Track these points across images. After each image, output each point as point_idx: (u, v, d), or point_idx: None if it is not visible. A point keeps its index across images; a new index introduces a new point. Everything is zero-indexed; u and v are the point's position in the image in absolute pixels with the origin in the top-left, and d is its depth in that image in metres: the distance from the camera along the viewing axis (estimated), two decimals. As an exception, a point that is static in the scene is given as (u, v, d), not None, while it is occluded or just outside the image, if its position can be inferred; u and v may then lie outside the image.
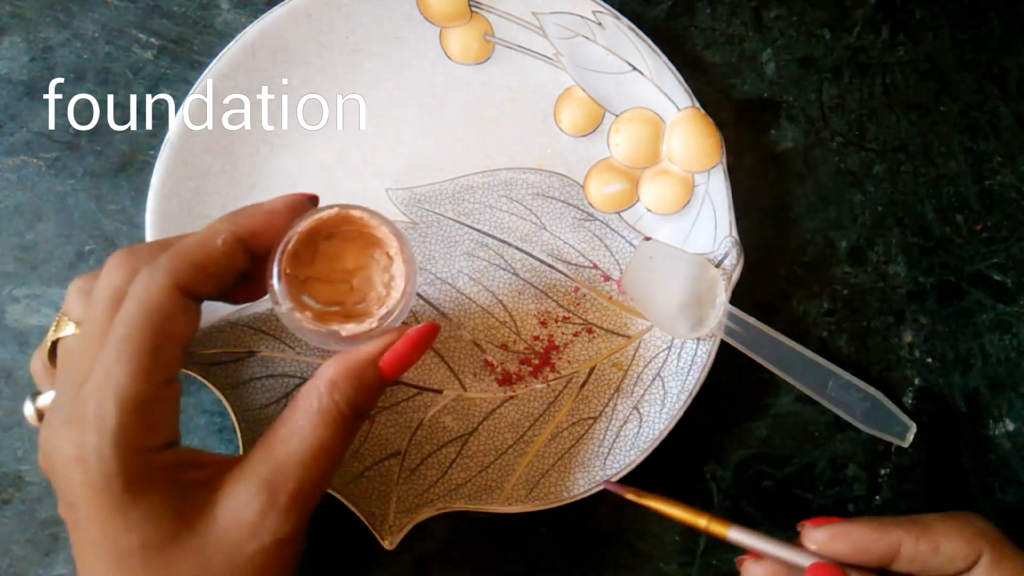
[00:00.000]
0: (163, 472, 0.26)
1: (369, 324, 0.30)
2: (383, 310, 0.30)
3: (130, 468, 0.25)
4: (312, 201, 0.31)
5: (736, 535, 0.31)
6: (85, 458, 0.25)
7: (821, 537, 0.30)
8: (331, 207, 0.30)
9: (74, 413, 0.26)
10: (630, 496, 0.33)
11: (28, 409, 0.30)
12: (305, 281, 0.31)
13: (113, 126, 0.41)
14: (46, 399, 0.30)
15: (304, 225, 0.30)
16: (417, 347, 0.30)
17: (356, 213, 0.31)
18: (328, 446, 0.28)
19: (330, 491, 0.37)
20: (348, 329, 0.30)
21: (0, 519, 0.39)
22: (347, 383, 0.29)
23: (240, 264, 0.29)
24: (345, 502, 0.37)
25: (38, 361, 0.31)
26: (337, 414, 0.28)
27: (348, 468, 0.37)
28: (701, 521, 0.32)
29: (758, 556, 0.31)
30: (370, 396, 0.29)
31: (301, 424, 0.28)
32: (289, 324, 0.30)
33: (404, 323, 0.31)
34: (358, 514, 0.37)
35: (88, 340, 0.27)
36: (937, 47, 0.43)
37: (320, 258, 0.32)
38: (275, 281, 0.29)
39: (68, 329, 0.29)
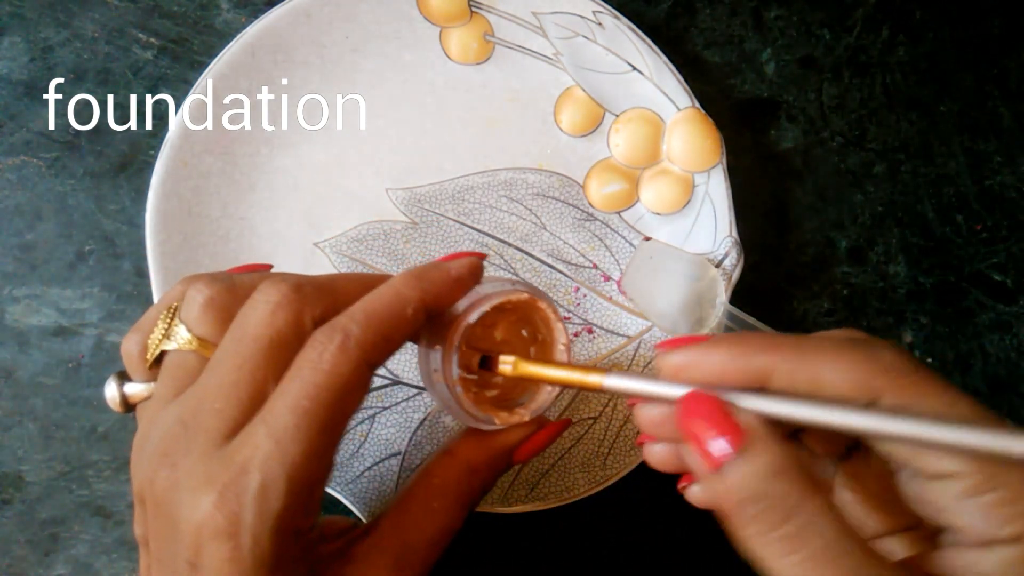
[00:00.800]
0: (307, 551, 0.25)
1: (521, 418, 0.29)
2: (536, 406, 0.29)
3: (283, 551, 0.23)
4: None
5: (612, 382, 0.26)
6: (238, 536, 0.22)
7: (676, 362, 0.24)
8: (518, 289, 0.29)
9: (227, 480, 0.22)
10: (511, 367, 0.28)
11: (112, 391, 0.28)
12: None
13: (113, 126, 0.41)
14: (136, 389, 0.28)
15: (490, 305, 0.28)
16: (551, 441, 0.30)
17: (542, 305, 0.29)
18: (457, 527, 0.27)
19: (330, 491, 0.37)
20: (503, 418, 0.28)
21: (0, 519, 0.39)
22: (488, 471, 0.28)
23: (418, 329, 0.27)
24: (345, 502, 0.37)
25: (134, 344, 0.28)
26: (471, 499, 0.28)
27: (348, 468, 0.37)
28: (575, 376, 0.27)
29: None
30: (496, 480, 0.29)
31: (435, 507, 0.27)
32: (440, 394, 0.28)
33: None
34: (358, 514, 0.37)
35: (230, 383, 0.24)
36: (937, 47, 0.43)
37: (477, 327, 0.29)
38: (454, 355, 0.27)
39: (181, 336, 0.26)
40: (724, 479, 0.22)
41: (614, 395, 0.28)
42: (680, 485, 0.27)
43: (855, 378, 0.22)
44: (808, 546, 0.20)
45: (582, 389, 0.29)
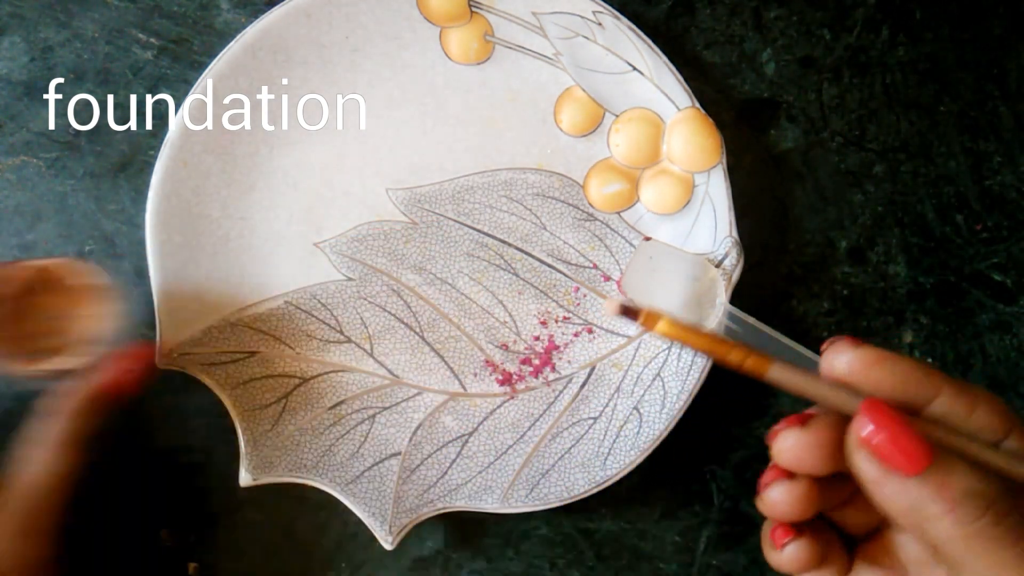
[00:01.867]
0: None
1: (64, 363, 0.33)
2: (82, 345, 0.33)
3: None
4: None
5: (778, 374, 0.25)
6: None
7: (862, 359, 0.24)
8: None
9: None
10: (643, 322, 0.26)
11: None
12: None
13: (113, 126, 0.41)
14: None
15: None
16: (137, 365, 0.34)
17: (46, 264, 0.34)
18: (69, 471, 0.32)
19: (330, 491, 0.37)
20: (58, 363, 0.33)
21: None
22: (79, 414, 0.33)
23: None
24: (345, 502, 0.37)
25: None
26: (75, 440, 0.32)
27: (348, 468, 0.37)
28: (733, 356, 0.25)
29: (792, 424, 0.26)
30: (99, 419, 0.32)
31: (38, 458, 0.32)
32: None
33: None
34: (358, 514, 0.37)
35: None
36: (937, 47, 0.43)
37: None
38: None
39: None
40: (933, 475, 0.22)
41: (777, 386, 0.26)
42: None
43: (1002, 413, 0.24)
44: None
45: (739, 369, 0.26)
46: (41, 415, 0.33)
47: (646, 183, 0.40)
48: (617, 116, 0.40)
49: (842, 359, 0.25)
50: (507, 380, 0.39)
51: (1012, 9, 0.44)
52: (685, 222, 0.40)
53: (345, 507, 0.37)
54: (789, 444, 0.25)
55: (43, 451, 0.32)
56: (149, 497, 0.36)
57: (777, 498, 0.26)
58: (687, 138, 0.38)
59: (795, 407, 0.41)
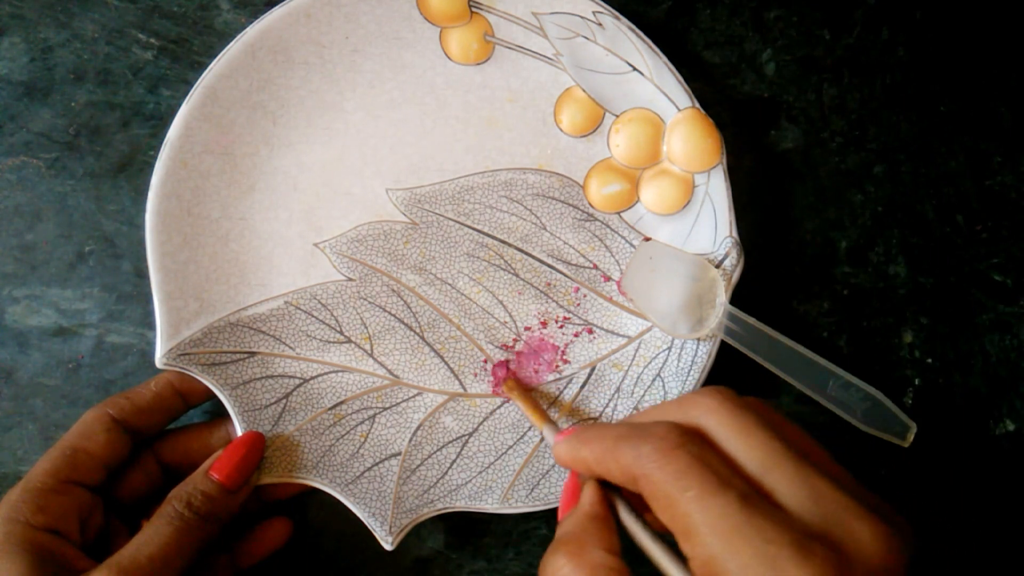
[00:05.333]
0: (33, 547, 0.31)
1: None
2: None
3: (7, 532, 0.31)
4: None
5: (546, 433, 0.34)
6: None
7: (554, 454, 0.31)
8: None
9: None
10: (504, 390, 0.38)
11: None
12: None
13: (113, 126, 0.41)
14: None
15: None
16: (237, 452, 0.35)
17: None
18: (174, 542, 0.32)
19: (330, 491, 0.37)
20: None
21: None
22: (184, 491, 0.34)
23: (175, 407, 0.37)
24: (345, 502, 0.37)
25: None
26: (177, 516, 0.32)
27: (348, 468, 0.37)
28: (538, 422, 0.35)
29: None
30: (214, 502, 0.34)
31: (148, 531, 0.32)
32: None
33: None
34: (358, 514, 0.37)
35: None
36: (937, 47, 0.43)
37: None
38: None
39: None
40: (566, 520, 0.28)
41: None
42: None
43: (624, 469, 0.26)
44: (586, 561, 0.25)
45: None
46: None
47: (646, 183, 0.40)
48: (617, 116, 0.40)
49: (557, 452, 0.30)
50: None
51: (1012, 9, 0.44)
52: (685, 222, 0.40)
53: (345, 507, 0.37)
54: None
55: (157, 524, 0.33)
56: (149, 497, 0.36)
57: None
58: (687, 138, 0.38)
59: (793, 406, 0.41)
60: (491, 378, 0.39)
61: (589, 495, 0.28)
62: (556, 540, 0.27)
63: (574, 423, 0.39)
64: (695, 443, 0.25)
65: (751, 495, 0.23)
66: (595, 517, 0.27)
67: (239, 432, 0.37)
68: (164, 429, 0.37)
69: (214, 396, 0.37)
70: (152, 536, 0.32)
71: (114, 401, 0.35)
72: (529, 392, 0.39)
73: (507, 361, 0.40)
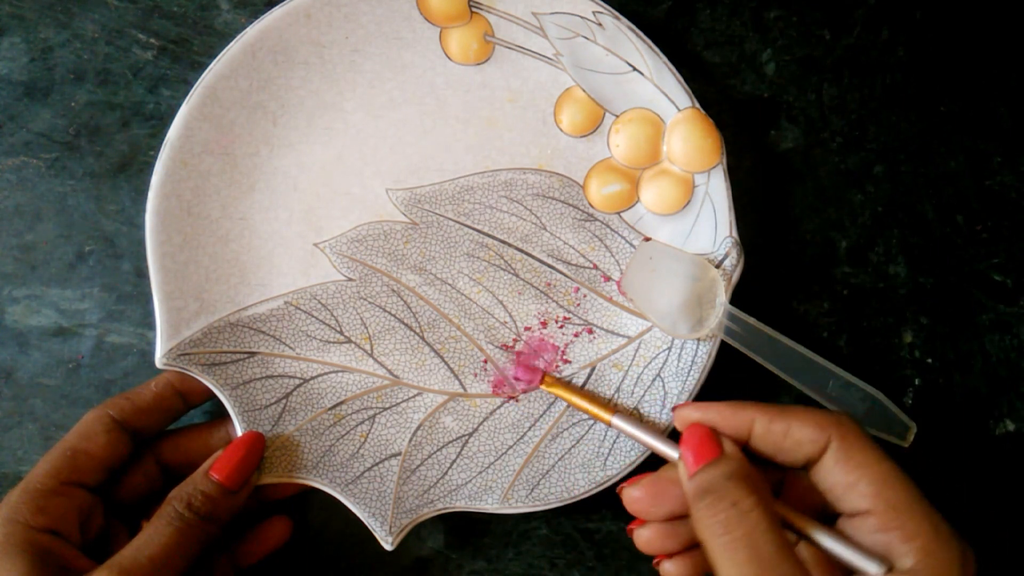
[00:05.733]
0: (33, 548, 0.31)
1: None
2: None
3: (7, 534, 0.31)
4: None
5: (618, 422, 0.36)
6: None
7: (688, 415, 0.33)
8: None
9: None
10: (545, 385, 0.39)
11: None
12: None
13: (113, 126, 0.41)
14: None
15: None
16: (237, 452, 0.35)
17: None
18: (173, 542, 0.32)
19: (330, 491, 0.37)
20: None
21: None
22: (185, 492, 0.34)
23: (175, 407, 0.37)
24: (345, 502, 0.37)
25: None
26: (177, 517, 0.33)
27: (348, 468, 0.37)
28: (594, 409, 0.37)
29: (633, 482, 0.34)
30: (214, 503, 0.34)
31: (148, 532, 0.32)
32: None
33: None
34: (358, 514, 0.37)
35: None
36: (937, 47, 0.43)
37: None
38: None
39: None
40: (700, 475, 0.30)
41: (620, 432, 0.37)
42: (630, 528, 0.34)
43: (816, 427, 0.30)
44: (737, 529, 0.27)
45: (595, 418, 0.37)
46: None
47: (646, 183, 0.40)
48: (617, 116, 0.40)
49: (681, 417, 0.33)
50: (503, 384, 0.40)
51: (1012, 9, 0.44)
52: (685, 222, 0.40)
53: (345, 507, 0.37)
54: (631, 497, 0.33)
55: (157, 525, 0.33)
56: (148, 498, 0.36)
57: (639, 541, 0.33)
58: (687, 138, 0.38)
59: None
60: (492, 378, 0.39)
61: (734, 446, 0.31)
62: (725, 475, 0.29)
63: (572, 422, 0.39)
64: None
65: None
66: (752, 464, 0.30)
67: (239, 432, 0.37)
68: (164, 430, 0.37)
69: (214, 396, 0.37)
70: (152, 537, 0.32)
71: (114, 402, 0.35)
72: (571, 385, 0.39)
73: (527, 357, 0.40)
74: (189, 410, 0.38)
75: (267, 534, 0.38)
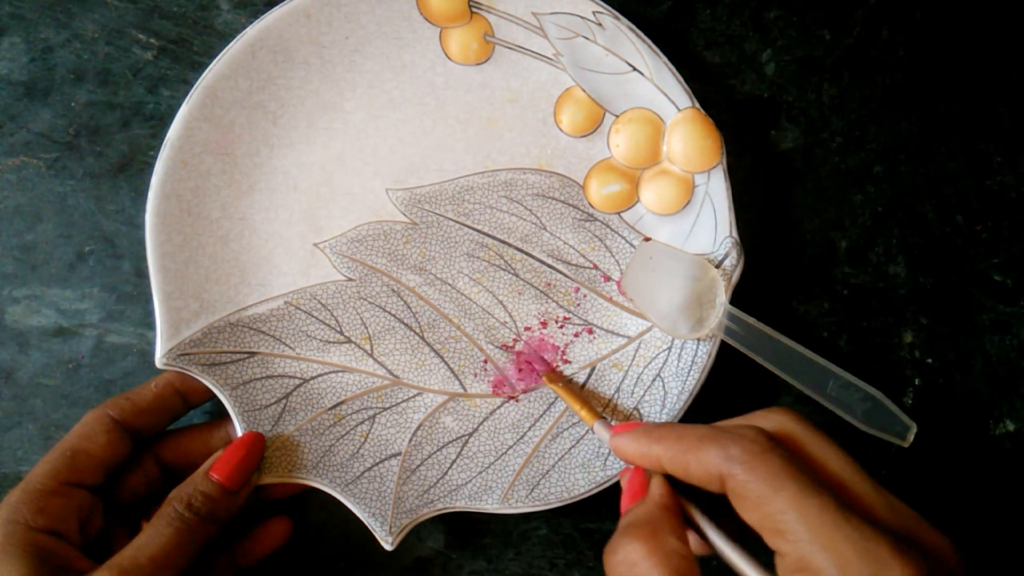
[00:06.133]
0: (34, 549, 0.31)
1: None
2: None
3: (7, 534, 0.31)
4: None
5: (597, 428, 0.35)
6: None
7: (612, 446, 0.32)
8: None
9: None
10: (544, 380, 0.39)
11: None
12: None
13: (113, 126, 0.41)
14: None
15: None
16: (237, 452, 0.35)
17: None
18: (173, 542, 0.32)
19: (330, 491, 0.37)
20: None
21: (0, 519, 0.39)
22: (185, 492, 0.34)
23: (175, 407, 0.37)
24: (345, 502, 0.37)
25: None
26: (177, 517, 0.33)
27: (348, 468, 0.37)
28: (582, 412, 0.36)
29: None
30: (214, 503, 0.34)
31: (149, 532, 0.32)
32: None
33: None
34: (358, 514, 0.37)
35: None
36: (937, 47, 0.43)
37: None
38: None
39: None
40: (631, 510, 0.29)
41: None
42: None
43: (707, 468, 0.27)
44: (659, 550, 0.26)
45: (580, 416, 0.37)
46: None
47: (646, 183, 0.40)
48: (617, 116, 0.40)
49: (612, 445, 0.32)
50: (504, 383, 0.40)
51: (1012, 9, 0.44)
52: (685, 222, 0.40)
53: (345, 507, 0.37)
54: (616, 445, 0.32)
55: (157, 525, 0.33)
56: (149, 498, 0.36)
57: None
58: (687, 138, 0.38)
59: (793, 406, 0.41)
60: (492, 378, 0.39)
61: (659, 487, 0.29)
62: (626, 527, 0.28)
63: (573, 422, 0.39)
64: (784, 447, 0.27)
65: (843, 499, 0.25)
66: (666, 507, 0.29)
67: (239, 432, 0.37)
68: (164, 430, 0.37)
69: (214, 396, 0.37)
70: (152, 537, 0.32)
71: (115, 402, 0.35)
72: (571, 383, 0.39)
73: (532, 352, 0.40)
74: (189, 410, 0.38)
75: (267, 534, 0.38)
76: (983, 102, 0.43)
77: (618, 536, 0.27)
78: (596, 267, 0.40)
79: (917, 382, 0.42)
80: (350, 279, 0.39)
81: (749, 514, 0.26)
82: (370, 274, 0.40)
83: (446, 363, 0.40)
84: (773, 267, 0.42)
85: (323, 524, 0.40)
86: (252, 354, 0.38)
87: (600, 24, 0.39)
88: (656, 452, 0.29)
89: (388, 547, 0.36)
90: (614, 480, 0.37)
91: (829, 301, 0.42)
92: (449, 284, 0.40)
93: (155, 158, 0.37)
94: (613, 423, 0.36)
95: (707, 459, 0.27)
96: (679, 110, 0.39)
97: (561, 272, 0.40)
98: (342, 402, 0.39)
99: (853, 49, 0.43)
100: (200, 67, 0.39)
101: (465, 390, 0.39)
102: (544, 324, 0.40)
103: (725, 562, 0.27)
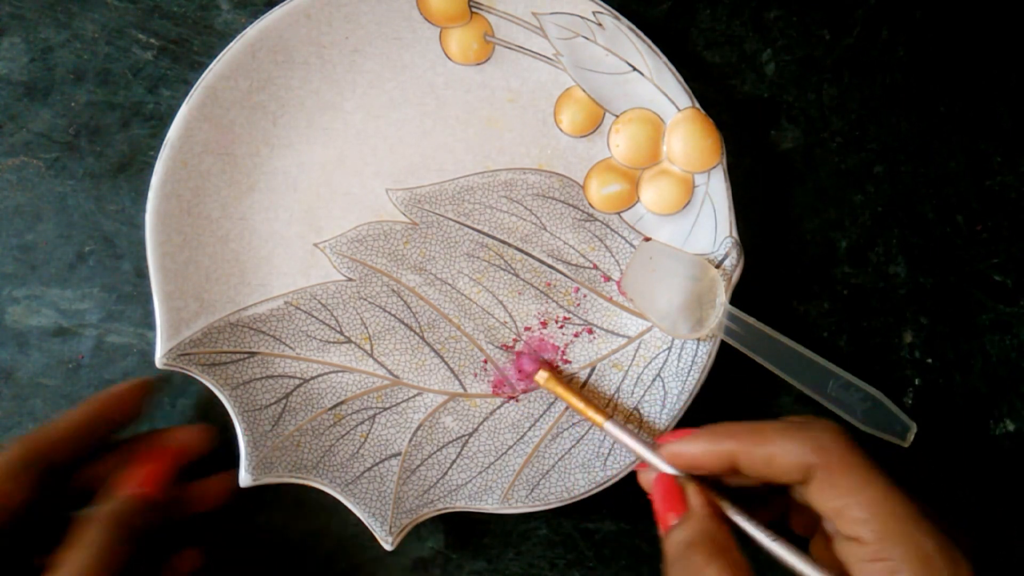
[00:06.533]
0: None
1: None
2: None
3: None
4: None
5: (610, 427, 0.36)
6: None
7: (666, 455, 0.33)
8: None
9: None
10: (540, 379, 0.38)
11: None
12: None
13: (113, 126, 0.41)
14: None
15: None
16: (154, 462, 0.34)
17: None
18: (113, 556, 0.30)
19: (330, 491, 0.37)
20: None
21: None
22: (101, 510, 0.32)
23: (96, 434, 0.34)
24: (345, 502, 0.37)
25: None
26: (96, 538, 0.30)
27: (348, 468, 0.37)
28: (588, 411, 0.36)
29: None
30: (132, 516, 0.32)
31: (67, 564, 0.30)
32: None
33: None
34: (358, 514, 0.37)
35: None
36: (937, 47, 0.43)
37: None
38: None
39: None
40: (668, 538, 0.30)
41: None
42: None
43: (799, 455, 0.28)
44: None
45: (589, 420, 0.37)
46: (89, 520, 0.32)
47: (646, 183, 0.40)
48: (617, 116, 0.40)
49: (662, 455, 0.33)
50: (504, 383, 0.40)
51: (1012, 9, 0.44)
52: (685, 222, 0.40)
53: (345, 508, 0.37)
54: (643, 481, 0.34)
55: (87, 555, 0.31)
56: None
57: (641, 480, 0.34)
58: (687, 138, 0.38)
59: (793, 406, 0.41)
60: (492, 378, 0.39)
61: (698, 496, 0.31)
62: (689, 545, 0.29)
63: (572, 422, 0.39)
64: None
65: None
66: (717, 519, 0.30)
67: (240, 433, 0.37)
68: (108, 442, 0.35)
69: (142, 416, 0.35)
70: (72, 568, 0.30)
71: (24, 440, 0.32)
72: (570, 383, 0.39)
73: (528, 351, 0.40)
74: (113, 434, 0.35)
75: (182, 564, 0.36)
76: (983, 102, 0.43)
77: (682, 557, 0.28)
78: (596, 267, 0.40)
79: (917, 382, 0.42)
80: (350, 279, 0.40)
81: (833, 501, 0.28)
82: (370, 274, 0.40)
83: (446, 363, 0.40)
84: (773, 267, 0.42)
85: (323, 524, 0.40)
86: (252, 354, 0.38)
87: (600, 24, 0.39)
88: (727, 448, 0.30)
89: (388, 547, 0.36)
90: (614, 480, 0.37)
91: (829, 301, 0.42)
92: (449, 284, 0.40)
93: (155, 158, 0.37)
94: (609, 424, 0.36)
95: (796, 449, 0.28)
96: (679, 110, 0.39)
97: (561, 272, 0.40)
98: (342, 402, 0.39)
99: (853, 49, 0.43)
100: (200, 67, 0.39)
101: (465, 390, 0.39)
102: (544, 324, 0.40)
103: (768, 553, 0.29)
